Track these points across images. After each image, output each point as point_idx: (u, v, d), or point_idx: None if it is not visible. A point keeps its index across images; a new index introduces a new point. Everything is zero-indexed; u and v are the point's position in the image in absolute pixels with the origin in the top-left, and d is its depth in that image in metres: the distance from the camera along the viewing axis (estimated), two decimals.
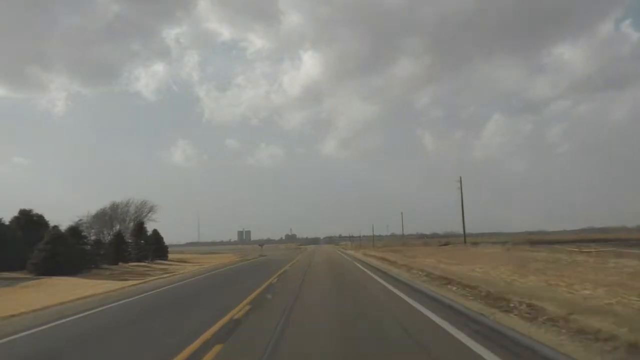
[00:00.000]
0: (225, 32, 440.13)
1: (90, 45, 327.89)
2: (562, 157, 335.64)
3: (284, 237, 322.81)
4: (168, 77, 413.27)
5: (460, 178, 74.88)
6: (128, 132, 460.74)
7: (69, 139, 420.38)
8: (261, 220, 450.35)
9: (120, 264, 50.08)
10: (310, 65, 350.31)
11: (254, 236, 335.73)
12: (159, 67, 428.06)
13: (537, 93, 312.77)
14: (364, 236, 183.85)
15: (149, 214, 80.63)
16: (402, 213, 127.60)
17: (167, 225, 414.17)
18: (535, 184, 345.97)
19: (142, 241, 64.80)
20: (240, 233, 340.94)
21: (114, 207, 76.63)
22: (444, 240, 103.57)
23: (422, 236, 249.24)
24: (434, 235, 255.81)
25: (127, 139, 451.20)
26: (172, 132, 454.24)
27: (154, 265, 51.69)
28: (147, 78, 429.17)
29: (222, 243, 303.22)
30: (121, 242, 56.99)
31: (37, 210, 42.31)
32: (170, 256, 71.02)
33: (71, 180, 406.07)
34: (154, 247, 66.78)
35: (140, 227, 68.24)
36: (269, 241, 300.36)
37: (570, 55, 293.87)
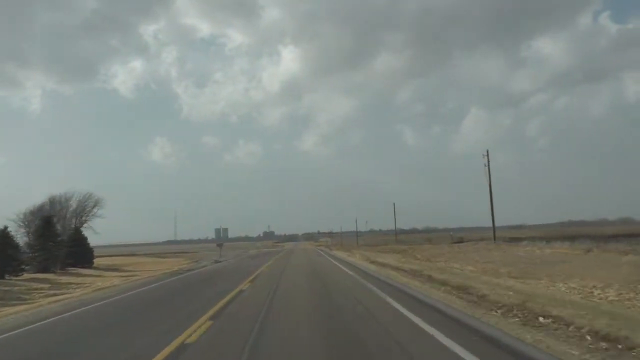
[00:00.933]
0: (204, 28, 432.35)
1: (67, 41, 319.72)
2: (542, 151, 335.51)
3: (262, 234, 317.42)
4: (146, 73, 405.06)
5: (487, 152, 59.66)
6: (105, 130, 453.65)
7: (44, 137, 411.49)
8: (239, 217, 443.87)
9: (7, 277, 38.97)
10: (290, 60, 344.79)
11: (232, 234, 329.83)
12: (137, 64, 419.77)
13: (517, 87, 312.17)
14: (343, 232, 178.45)
15: (94, 210, 69.73)
16: (394, 204, 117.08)
17: (145, 223, 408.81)
18: (514, 177, 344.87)
19: (50, 243, 51.03)
20: (217, 231, 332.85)
21: (53, 202, 65.78)
22: (457, 237, 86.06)
23: (401, 231, 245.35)
24: (414, 231, 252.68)
25: (104, 137, 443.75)
26: (150, 129, 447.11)
27: (56, 278, 40.19)
28: (125, 75, 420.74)
29: (199, 241, 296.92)
30: (8, 244, 42.28)
31: None
32: (102, 262, 61.94)
33: (45, 179, 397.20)
34: (69, 251, 54.35)
35: (48, 224, 53.24)
36: (246, 238, 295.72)
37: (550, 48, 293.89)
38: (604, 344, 7.14)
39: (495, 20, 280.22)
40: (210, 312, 12.49)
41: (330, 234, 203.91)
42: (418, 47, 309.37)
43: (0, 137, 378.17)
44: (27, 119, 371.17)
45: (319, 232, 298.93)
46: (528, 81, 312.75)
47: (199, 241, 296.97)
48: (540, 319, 9.09)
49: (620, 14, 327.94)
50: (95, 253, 62.55)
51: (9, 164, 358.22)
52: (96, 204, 69.62)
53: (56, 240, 52.92)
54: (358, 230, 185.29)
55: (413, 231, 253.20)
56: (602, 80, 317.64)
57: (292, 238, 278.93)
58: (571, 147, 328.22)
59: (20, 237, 53.37)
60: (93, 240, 66.29)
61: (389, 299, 13.34)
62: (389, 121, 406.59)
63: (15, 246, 44.04)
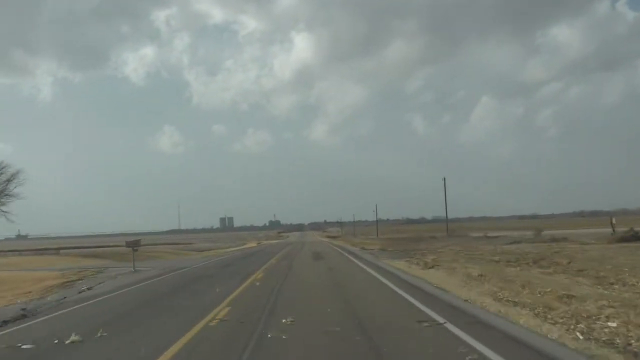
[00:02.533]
0: (217, 14, 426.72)
1: (77, 28, 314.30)
2: (555, 140, 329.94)
3: (267, 224, 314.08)
4: (157, 61, 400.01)
5: None
6: (113, 118, 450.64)
7: (54, 125, 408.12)
8: (244, 206, 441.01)
9: None
10: (302, 47, 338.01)
11: (237, 223, 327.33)
12: (148, 51, 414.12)
13: (531, 75, 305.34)
14: (349, 222, 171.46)
15: (9, 187, 48.15)
16: (444, 190, 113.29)
17: (150, 212, 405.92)
18: (526, 167, 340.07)
19: None
20: (222, 220, 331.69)
21: None
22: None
23: (409, 221, 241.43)
24: (422, 220, 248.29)
25: (111, 126, 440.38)
26: (159, 118, 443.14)
27: None
28: (136, 62, 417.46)
29: (203, 230, 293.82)
30: None
31: None
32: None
33: (54, 168, 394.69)
34: None
35: None
36: (251, 228, 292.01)
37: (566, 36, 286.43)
38: None
39: (510, 7, 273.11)
40: None
41: (338, 224, 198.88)
42: (431, 34, 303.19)
43: (10, 124, 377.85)
44: (38, 107, 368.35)
45: (325, 222, 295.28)
46: (542, 69, 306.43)
47: (204, 230, 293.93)
48: None
49: (638, 1, 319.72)
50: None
51: (18, 153, 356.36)
52: (11, 178, 48.09)
53: None
54: (366, 219, 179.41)
55: (421, 220, 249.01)
56: (618, 68, 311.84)
57: (298, 228, 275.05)
58: (585, 136, 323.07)
59: None
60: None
61: None
62: (400, 109, 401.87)
63: None
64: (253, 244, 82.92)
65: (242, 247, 64.47)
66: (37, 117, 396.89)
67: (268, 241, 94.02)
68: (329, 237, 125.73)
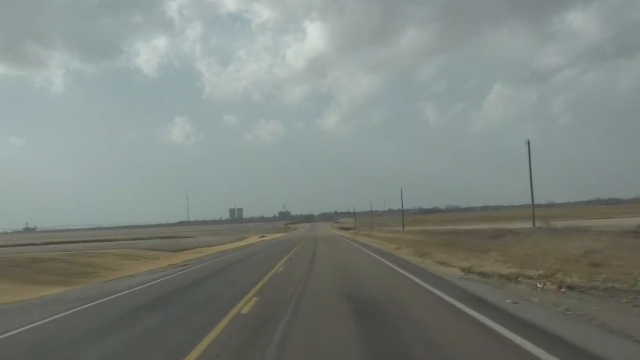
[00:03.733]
0: (229, 2, 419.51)
1: (90, 19, 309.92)
2: (571, 127, 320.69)
3: (277, 215, 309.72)
4: (169, 51, 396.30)
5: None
6: (124, 110, 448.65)
7: (64, 117, 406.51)
8: (254, 197, 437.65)
9: None
10: (315, 36, 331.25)
11: (246, 214, 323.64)
12: (161, 41, 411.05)
13: (546, 62, 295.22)
14: (359, 212, 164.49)
15: None
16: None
17: (159, 204, 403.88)
18: (542, 154, 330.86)
19: None
20: (232, 211, 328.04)
21: None
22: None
23: (421, 211, 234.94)
24: (435, 210, 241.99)
25: (122, 117, 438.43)
26: (170, 108, 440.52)
27: None
28: (148, 53, 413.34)
29: (212, 222, 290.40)
30: None
31: None
32: None
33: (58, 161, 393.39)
34: None
35: None
36: (261, 219, 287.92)
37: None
38: None
39: None
40: None
41: (350, 214, 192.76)
42: (445, 22, 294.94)
43: (21, 117, 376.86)
44: (49, 98, 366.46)
45: (336, 212, 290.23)
46: (557, 56, 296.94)
47: (213, 222, 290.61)
48: None
49: None
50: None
51: (28, 145, 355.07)
52: None
53: None
54: (377, 210, 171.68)
55: (434, 210, 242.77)
56: (635, 55, 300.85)
57: (308, 218, 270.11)
58: (602, 123, 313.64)
59: None
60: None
61: None
62: (412, 98, 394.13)
63: None
64: (254, 239, 73.09)
65: (232, 245, 48.16)
66: (49, 109, 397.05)
67: (272, 236, 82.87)
68: (341, 228, 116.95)
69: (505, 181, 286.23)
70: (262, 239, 71.54)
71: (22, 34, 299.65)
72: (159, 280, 16.85)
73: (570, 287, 9.76)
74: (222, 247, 41.45)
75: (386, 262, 19.67)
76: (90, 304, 11.65)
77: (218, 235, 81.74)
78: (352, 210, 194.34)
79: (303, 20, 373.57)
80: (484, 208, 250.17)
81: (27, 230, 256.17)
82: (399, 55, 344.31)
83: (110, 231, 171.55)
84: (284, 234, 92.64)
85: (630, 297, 8.56)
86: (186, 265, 23.82)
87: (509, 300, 8.90)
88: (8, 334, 8.28)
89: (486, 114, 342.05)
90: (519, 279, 11.51)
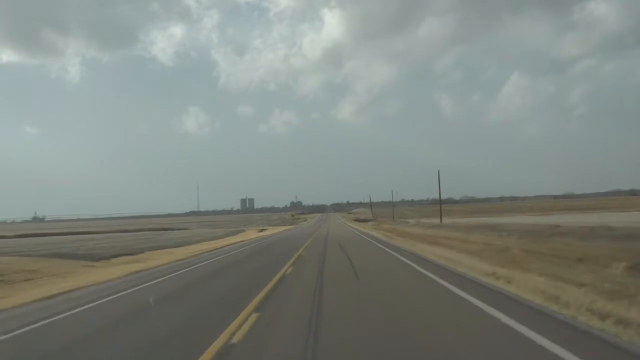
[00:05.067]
0: None
1: (108, 6, 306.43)
2: (590, 118, 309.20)
3: (288, 205, 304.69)
4: (186, 40, 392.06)
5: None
6: (140, 99, 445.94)
7: (79, 106, 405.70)
8: (266, 188, 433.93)
9: None
10: (333, 25, 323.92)
11: (258, 204, 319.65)
12: (177, 30, 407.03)
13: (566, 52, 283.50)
14: (374, 203, 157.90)
15: None
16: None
17: (172, 193, 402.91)
18: (559, 146, 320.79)
19: None
20: (243, 201, 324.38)
21: None
22: None
23: (435, 202, 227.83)
24: (449, 200, 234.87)
25: (138, 106, 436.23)
26: (186, 98, 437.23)
27: None
28: (165, 41, 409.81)
29: (224, 212, 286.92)
30: None
31: None
32: None
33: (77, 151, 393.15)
34: None
35: None
36: (272, 209, 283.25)
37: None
38: None
39: None
40: None
41: (365, 204, 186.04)
42: (465, 10, 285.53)
43: (36, 106, 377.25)
44: (65, 87, 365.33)
45: (348, 203, 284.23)
46: (577, 46, 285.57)
47: (224, 212, 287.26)
48: None
49: None
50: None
51: (43, 134, 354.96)
52: None
53: None
54: (387, 200, 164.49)
55: (449, 200, 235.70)
56: None
57: (319, 209, 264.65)
58: (621, 114, 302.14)
59: None
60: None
61: None
62: (429, 88, 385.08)
63: None
64: (251, 234, 59.01)
65: (207, 246, 33.67)
66: (63, 98, 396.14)
67: (274, 230, 72.14)
68: (357, 220, 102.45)
69: (521, 172, 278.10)
70: (260, 233, 60.28)
71: (40, 21, 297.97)
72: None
73: None
74: (189, 250, 28.90)
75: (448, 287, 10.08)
76: None
77: (218, 227, 76.64)
78: (364, 201, 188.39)
79: (322, 7, 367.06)
80: (502, 199, 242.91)
81: (35, 219, 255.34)
82: (416, 45, 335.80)
83: (118, 221, 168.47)
84: (288, 227, 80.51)
85: None
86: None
87: None
88: None
89: (504, 105, 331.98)
90: None
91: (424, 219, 72.41)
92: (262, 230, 71.86)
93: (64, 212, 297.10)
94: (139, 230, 69.20)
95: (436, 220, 59.26)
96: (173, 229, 68.49)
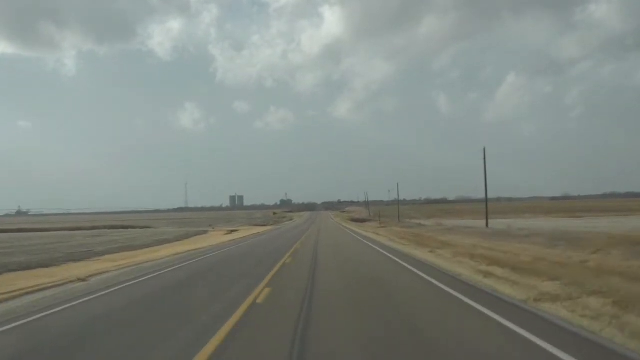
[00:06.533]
0: None
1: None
2: (587, 119, 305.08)
3: (278, 202, 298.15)
4: (184, 34, 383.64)
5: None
6: (135, 94, 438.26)
7: (73, 100, 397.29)
8: (256, 185, 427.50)
9: None
10: (333, 21, 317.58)
11: (247, 201, 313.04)
12: (176, 24, 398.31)
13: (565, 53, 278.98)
14: (367, 202, 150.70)
15: None
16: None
17: (159, 190, 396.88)
18: (555, 147, 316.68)
19: None
20: (232, 198, 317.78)
21: None
22: None
23: (429, 201, 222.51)
24: (444, 201, 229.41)
25: (132, 101, 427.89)
26: (181, 94, 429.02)
27: None
28: (163, 36, 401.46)
29: (212, 209, 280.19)
30: None
31: None
32: None
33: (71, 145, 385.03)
34: None
35: None
36: (262, 207, 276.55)
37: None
38: None
39: None
40: None
41: (362, 203, 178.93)
42: (466, 9, 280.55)
43: (31, 99, 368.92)
44: (60, 80, 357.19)
45: (339, 201, 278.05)
46: (576, 47, 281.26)
47: (213, 209, 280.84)
48: None
49: None
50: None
51: (35, 128, 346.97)
52: None
53: None
54: (381, 199, 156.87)
55: (442, 200, 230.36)
56: None
57: (310, 207, 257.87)
58: (618, 116, 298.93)
59: None
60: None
61: None
62: (426, 87, 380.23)
63: None
64: (212, 239, 40.77)
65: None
66: (57, 92, 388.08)
67: (253, 230, 61.35)
68: (353, 221, 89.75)
69: (516, 174, 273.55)
70: (225, 237, 43.44)
71: (37, 13, 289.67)
72: None
73: None
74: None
75: None
76: None
77: (187, 225, 69.89)
78: (355, 200, 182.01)
79: (323, 3, 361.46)
80: (498, 200, 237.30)
81: (19, 213, 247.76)
82: (415, 42, 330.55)
83: (89, 217, 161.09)
84: (268, 229, 66.61)
85: None
86: None
87: None
88: None
89: (500, 105, 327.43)
90: None
91: (429, 220, 64.62)
92: (231, 232, 58.54)
93: (52, 206, 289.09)
94: (94, 227, 62.42)
95: (447, 222, 52.03)
96: (134, 227, 61.93)
